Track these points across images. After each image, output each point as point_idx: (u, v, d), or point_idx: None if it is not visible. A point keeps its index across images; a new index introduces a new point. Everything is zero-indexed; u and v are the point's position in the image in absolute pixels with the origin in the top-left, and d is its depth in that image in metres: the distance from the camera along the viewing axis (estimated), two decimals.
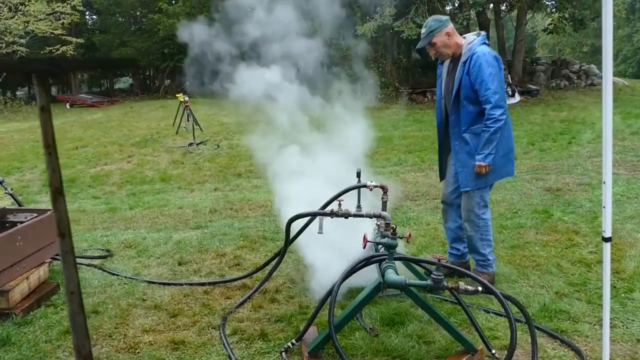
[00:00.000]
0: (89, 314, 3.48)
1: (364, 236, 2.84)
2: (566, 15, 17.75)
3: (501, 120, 3.50)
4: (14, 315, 3.38)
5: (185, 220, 5.98)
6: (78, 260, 4.52)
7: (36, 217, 3.93)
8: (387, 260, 2.77)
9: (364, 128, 4.26)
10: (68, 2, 22.57)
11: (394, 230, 2.85)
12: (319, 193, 3.48)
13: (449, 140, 3.89)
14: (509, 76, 17.30)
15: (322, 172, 3.90)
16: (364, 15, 17.63)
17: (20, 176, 9.33)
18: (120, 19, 30.45)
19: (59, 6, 22.25)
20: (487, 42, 3.68)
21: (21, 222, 3.82)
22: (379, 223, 3.09)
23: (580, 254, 4.29)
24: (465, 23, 16.77)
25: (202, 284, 3.94)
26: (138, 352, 2.98)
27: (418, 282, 2.71)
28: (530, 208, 5.71)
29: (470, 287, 2.57)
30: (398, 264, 2.90)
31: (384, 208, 3.30)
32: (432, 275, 2.58)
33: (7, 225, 3.90)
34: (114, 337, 3.17)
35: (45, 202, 7.80)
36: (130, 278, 4.10)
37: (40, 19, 22.05)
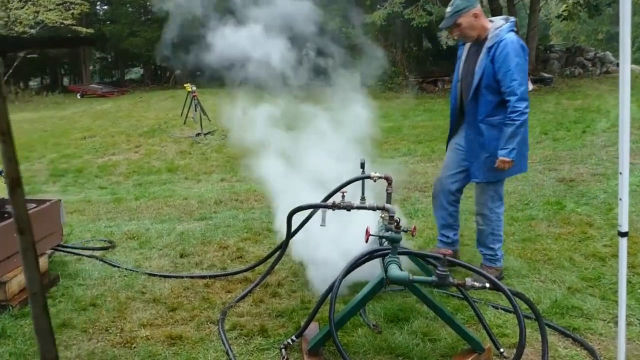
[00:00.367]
0: (87, 306, 3.41)
1: (367, 230, 2.72)
2: (581, 1, 17.25)
3: (526, 114, 3.33)
4: (10, 308, 3.32)
5: (190, 212, 5.90)
6: (80, 251, 4.46)
7: (35, 207, 3.86)
8: (390, 255, 2.66)
9: (369, 116, 4.12)
10: None
11: (398, 223, 2.72)
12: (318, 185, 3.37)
13: (460, 127, 3.73)
14: None
15: (320, 163, 3.79)
16: (374, 2, 17.34)
17: (29, 166, 9.32)
18: (130, 9, 30.38)
19: None
20: (515, 29, 3.43)
21: None
22: (383, 216, 2.98)
23: (594, 247, 4.13)
24: None
25: (203, 277, 3.86)
26: (134, 347, 2.91)
27: (422, 278, 2.60)
28: (543, 199, 5.54)
29: (477, 284, 2.45)
30: (405, 257, 2.79)
31: (388, 200, 3.18)
32: (437, 271, 2.46)
33: (6, 215, 3.84)
34: (110, 331, 3.10)
35: (52, 192, 7.78)
36: (131, 270, 4.03)
37: (50, 9, 22.02)
